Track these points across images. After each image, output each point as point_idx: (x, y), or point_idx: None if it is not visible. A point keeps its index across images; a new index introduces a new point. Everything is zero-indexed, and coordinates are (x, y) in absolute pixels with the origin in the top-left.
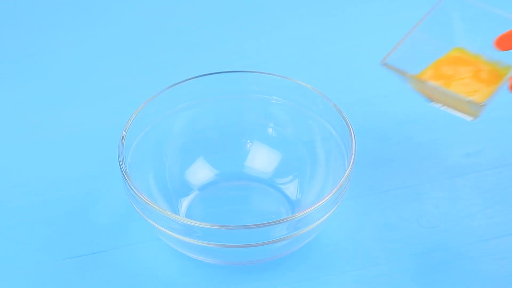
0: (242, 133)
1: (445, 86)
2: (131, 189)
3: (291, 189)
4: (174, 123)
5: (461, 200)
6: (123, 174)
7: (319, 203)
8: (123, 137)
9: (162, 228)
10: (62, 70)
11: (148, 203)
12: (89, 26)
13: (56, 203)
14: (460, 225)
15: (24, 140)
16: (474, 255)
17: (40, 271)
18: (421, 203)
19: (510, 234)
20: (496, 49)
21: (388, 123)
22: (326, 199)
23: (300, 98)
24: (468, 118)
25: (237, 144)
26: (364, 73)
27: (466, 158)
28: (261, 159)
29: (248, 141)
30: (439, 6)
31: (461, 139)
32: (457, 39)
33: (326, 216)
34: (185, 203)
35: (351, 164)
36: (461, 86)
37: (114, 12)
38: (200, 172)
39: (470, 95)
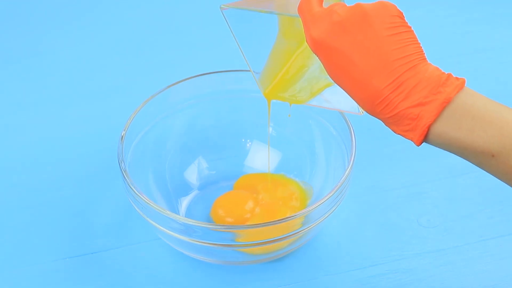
0: (242, 133)
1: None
2: (131, 188)
3: None
4: (174, 123)
5: (461, 200)
6: (123, 174)
7: (319, 203)
8: (122, 136)
9: (162, 227)
10: (63, 70)
11: (148, 203)
12: (90, 26)
13: (56, 203)
14: (460, 225)
15: (24, 140)
16: (474, 255)
17: (40, 271)
18: (421, 203)
19: (510, 234)
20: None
21: None
22: (326, 199)
23: None
24: None
25: (237, 144)
26: None
27: None
28: (261, 159)
29: (248, 141)
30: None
31: None
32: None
33: (326, 216)
34: (184, 202)
35: (351, 164)
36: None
37: (114, 12)
38: (200, 172)
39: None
